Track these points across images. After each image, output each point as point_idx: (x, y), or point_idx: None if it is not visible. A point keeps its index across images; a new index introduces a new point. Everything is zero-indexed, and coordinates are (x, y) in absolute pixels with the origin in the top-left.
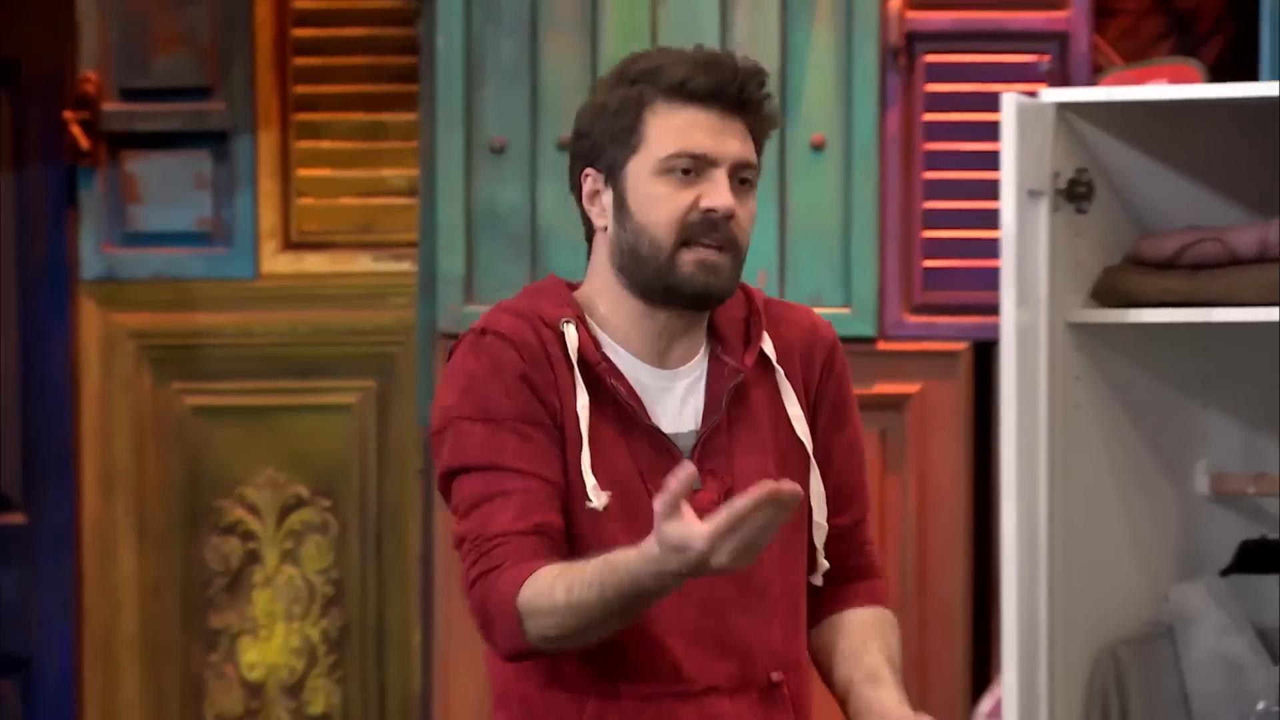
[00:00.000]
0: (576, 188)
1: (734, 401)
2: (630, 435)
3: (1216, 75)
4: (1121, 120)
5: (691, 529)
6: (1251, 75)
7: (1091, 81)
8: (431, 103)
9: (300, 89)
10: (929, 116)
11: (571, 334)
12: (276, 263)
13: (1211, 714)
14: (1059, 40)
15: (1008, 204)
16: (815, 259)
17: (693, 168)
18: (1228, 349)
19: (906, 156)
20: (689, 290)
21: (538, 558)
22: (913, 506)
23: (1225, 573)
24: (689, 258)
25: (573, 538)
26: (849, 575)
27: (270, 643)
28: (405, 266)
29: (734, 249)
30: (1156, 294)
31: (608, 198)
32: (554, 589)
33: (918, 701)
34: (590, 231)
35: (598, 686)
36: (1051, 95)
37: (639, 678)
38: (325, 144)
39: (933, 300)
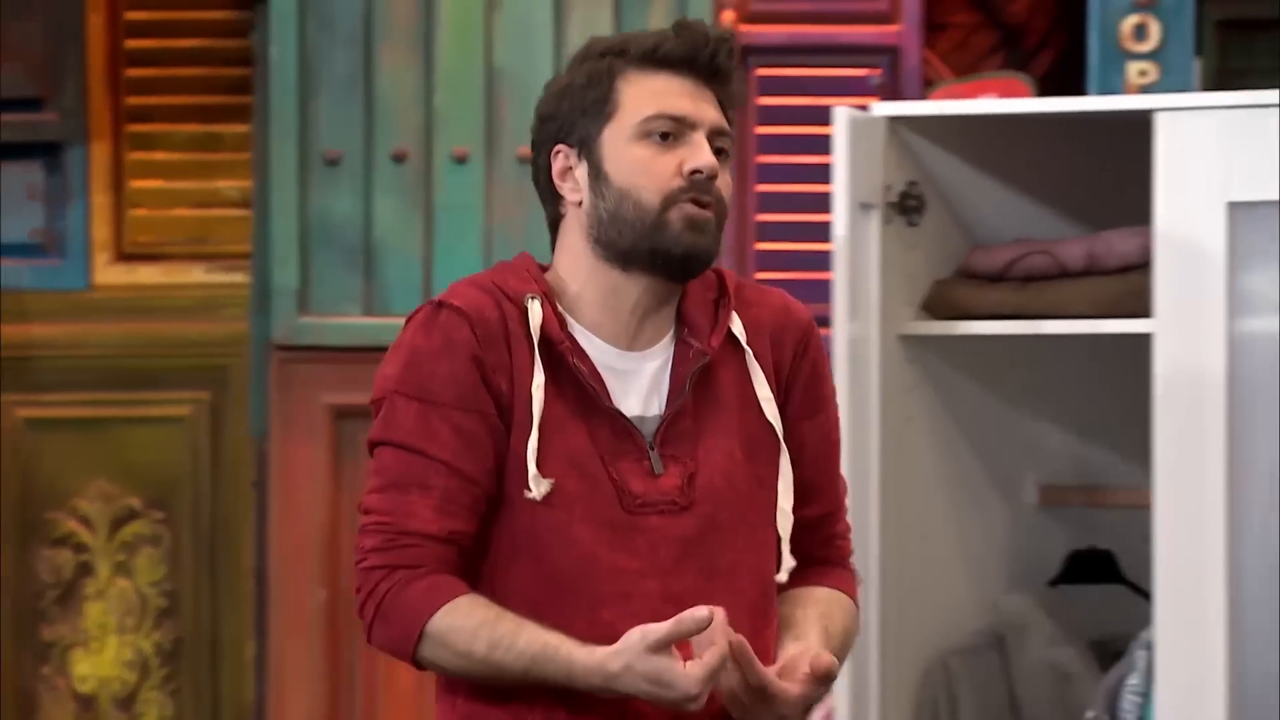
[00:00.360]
0: (543, 171)
1: (702, 384)
2: (591, 418)
3: (1045, 89)
4: (952, 134)
5: (680, 671)
6: (1079, 89)
7: (922, 95)
8: (265, 114)
9: (133, 100)
10: (762, 130)
11: (535, 310)
12: (109, 274)
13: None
14: (890, 55)
15: (839, 217)
16: None
17: (672, 130)
18: (1058, 361)
19: (740, 169)
20: (677, 250)
21: (453, 573)
22: None
23: (1054, 583)
24: (677, 214)
25: (512, 522)
26: (815, 564)
27: (102, 655)
28: (239, 278)
29: (719, 209)
30: (987, 306)
31: (581, 171)
32: (475, 637)
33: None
34: (555, 218)
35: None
36: (883, 109)
37: None
38: (158, 155)
39: None
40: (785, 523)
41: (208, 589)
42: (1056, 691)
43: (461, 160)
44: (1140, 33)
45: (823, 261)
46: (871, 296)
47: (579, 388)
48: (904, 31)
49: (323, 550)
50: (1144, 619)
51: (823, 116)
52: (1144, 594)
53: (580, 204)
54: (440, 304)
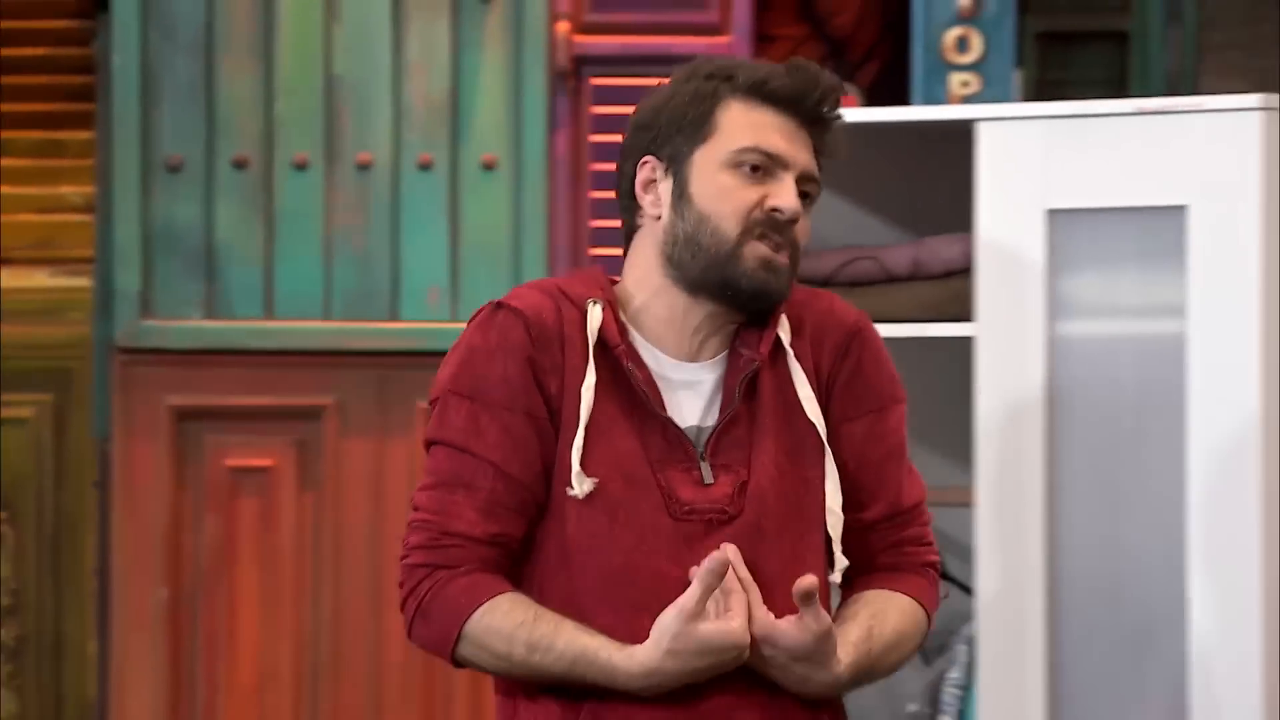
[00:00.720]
0: (627, 179)
1: (753, 391)
2: (644, 424)
3: (871, 99)
4: None
5: (723, 630)
6: (904, 99)
7: None
8: (108, 121)
9: None
10: (596, 137)
11: (595, 313)
12: None
13: (863, 714)
14: None
15: None
16: (487, 274)
17: (763, 165)
18: None
19: (575, 176)
20: (748, 286)
21: (495, 573)
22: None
23: None
24: (753, 252)
25: (559, 526)
26: (884, 570)
27: None
28: (82, 282)
29: (794, 253)
30: None
31: (666, 187)
32: (513, 639)
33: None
34: (630, 228)
35: (596, 690)
36: None
37: None
38: (2, 161)
39: None
40: (835, 522)
41: (51, 587)
42: (879, 685)
43: (301, 167)
44: (962, 45)
45: None
46: None
47: (633, 394)
48: (734, 43)
49: (164, 549)
50: (966, 615)
51: None
52: (966, 590)
53: (659, 219)
54: (499, 305)
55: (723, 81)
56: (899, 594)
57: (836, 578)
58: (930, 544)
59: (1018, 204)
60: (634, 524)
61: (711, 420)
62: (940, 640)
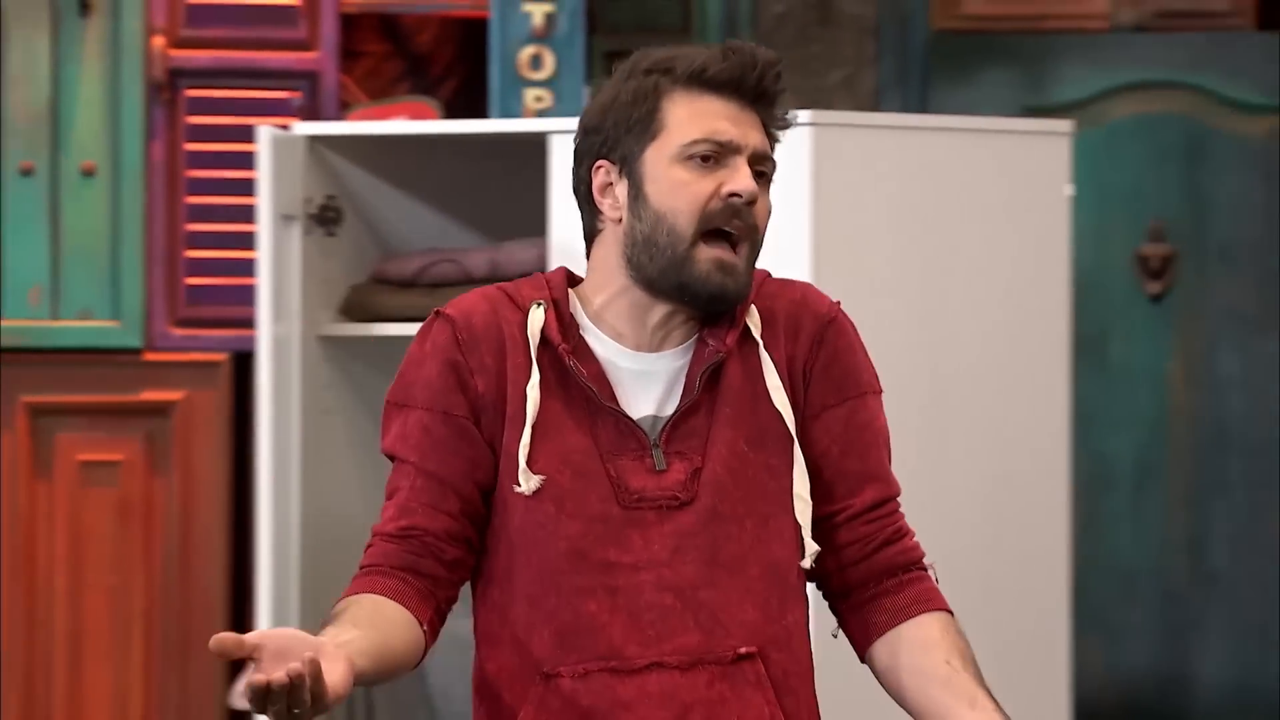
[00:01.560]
0: (583, 184)
1: (717, 381)
2: (596, 418)
3: (451, 112)
4: (367, 152)
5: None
6: (482, 113)
7: (339, 116)
8: None
9: None
10: (191, 146)
11: (536, 315)
12: None
13: (446, 689)
14: (309, 79)
15: (263, 228)
16: (87, 276)
17: (714, 154)
18: None
19: (171, 182)
20: (703, 290)
21: (394, 565)
22: (177, 505)
23: None
24: (707, 255)
25: (509, 521)
26: (879, 570)
27: None
28: None
29: (752, 238)
30: (399, 309)
31: (622, 189)
32: (339, 624)
33: (180, 678)
34: (591, 231)
35: (548, 665)
36: (303, 129)
37: (579, 657)
38: None
39: (196, 315)
40: (803, 508)
41: None
42: (462, 661)
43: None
44: (536, 63)
45: (249, 268)
46: (293, 300)
47: (583, 389)
48: (321, 58)
49: None
50: None
51: (248, 135)
52: None
53: (619, 221)
54: (436, 313)
55: (662, 75)
56: (941, 615)
57: (807, 563)
58: (913, 534)
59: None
60: (581, 513)
61: (670, 409)
62: None
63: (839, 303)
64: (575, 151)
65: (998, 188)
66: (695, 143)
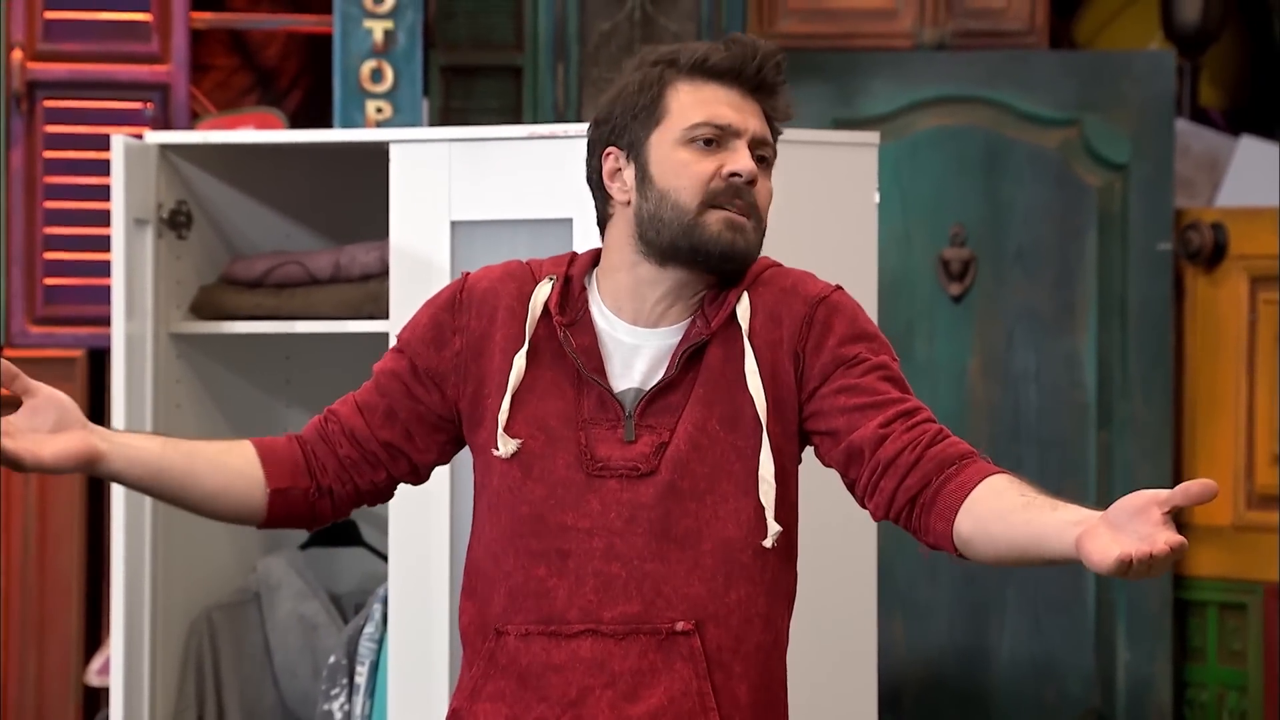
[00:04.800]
0: (595, 173)
1: (699, 361)
2: (582, 387)
3: (296, 123)
4: (216, 160)
5: None
6: (326, 123)
7: (190, 126)
8: None
9: None
10: (49, 154)
11: (542, 288)
12: None
13: (291, 667)
14: (161, 90)
15: (117, 231)
16: None
17: (715, 137)
18: (307, 356)
19: (29, 188)
20: (715, 247)
21: (299, 432)
22: (34, 493)
23: (304, 546)
24: (715, 216)
25: (485, 478)
26: (935, 466)
27: None
28: None
29: (756, 215)
30: (247, 309)
31: (630, 173)
32: (162, 436)
33: (37, 660)
34: (603, 216)
35: (499, 623)
36: (155, 137)
37: (524, 618)
38: None
39: (53, 313)
40: (766, 490)
41: None
42: (305, 640)
43: None
44: (377, 76)
45: (104, 269)
46: (146, 300)
47: (573, 360)
48: (173, 71)
49: None
50: (380, 577)
51: (103, 143)
52: (381, 555)
53: (628, 204)
54: (464, 274)
55: (667, 66)
56: (999, 474)
57: (769, 543)
58: (956, 439)
59: (426, 216)
60: (546, 478)
61: (653, 384)
62: (359, 600)
63: (838, 287)
64: (588, 143)
65: (810, 195)
66: (697, 126)
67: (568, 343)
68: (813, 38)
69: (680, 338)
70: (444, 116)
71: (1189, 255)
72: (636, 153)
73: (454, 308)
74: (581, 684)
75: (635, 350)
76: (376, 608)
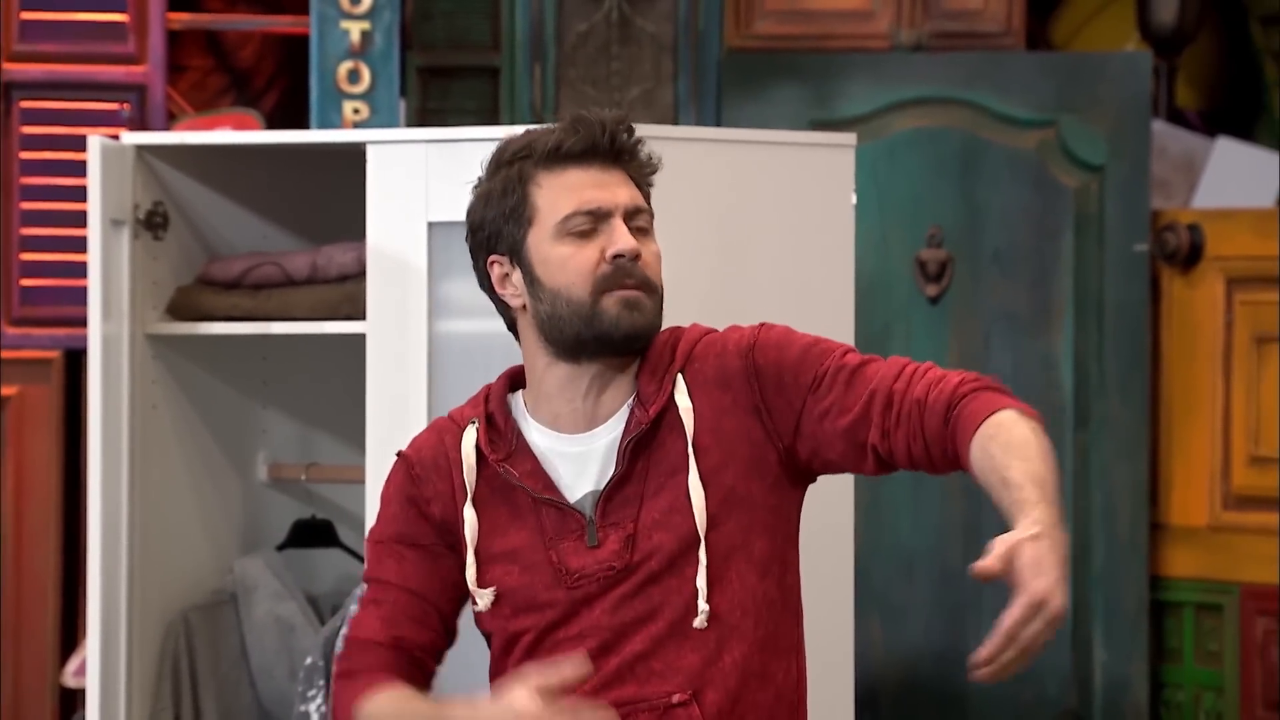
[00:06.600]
0: (485, 279)
1: (648, 449)
2: (540, 509)
3: (273, 123)
4: (193, 160)
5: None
6: (303, 124)
7: (167, 127)
8: None
9: None
10: (25, 155)
11: (469, 435)
12: None
13: (268, 668)
14: (138, 91)
15: (94, 232)
16: None
17: (589, 225)
18: (284, 357)
19: (6, 189)
20: (618, 332)
21: (389, 671)
22: (10, 495)
23: (281, 547)
24: (610, 300)
25: (482, 624)
26: (942, 407)
27: None
28: None
29: (649, 288)
30: (224, 309)
31: (517, 277)
32: (400, 713)
33: (13, 661)
34: (510, 322)
35: None
36: (131, 138)
37: None
38: None
39: (29, 314)
40: (701, 583)
41: None
42: (282, 641)
43: None
44: (354, 77)
45: (81, 270)
46: (123, 301)
47: (522, 488)
48: (149, 72)
49: None
50: (357, 578)
51: (80, 144)
52: (358, 557)
53: (525, 307)
54: (398, 454)
55: (523, 161)
56: (993, 416)
57: (700, 623)
58: (955, 373)
59: (403, 217)
60: (532, 607)
61: (605, 483)
62: (336, 601)
63: (761, 325)
64: (470, 249)
65: (787, 196)
66: (568, 218)
67: (510, 475)
68: (790, 39)
69: (622, 430)
70: (421, 117)
71: (1165, 256)
72: (518, 256)
73: (415, 483)
74: None
75: (580, 457)
76: (353, 609)
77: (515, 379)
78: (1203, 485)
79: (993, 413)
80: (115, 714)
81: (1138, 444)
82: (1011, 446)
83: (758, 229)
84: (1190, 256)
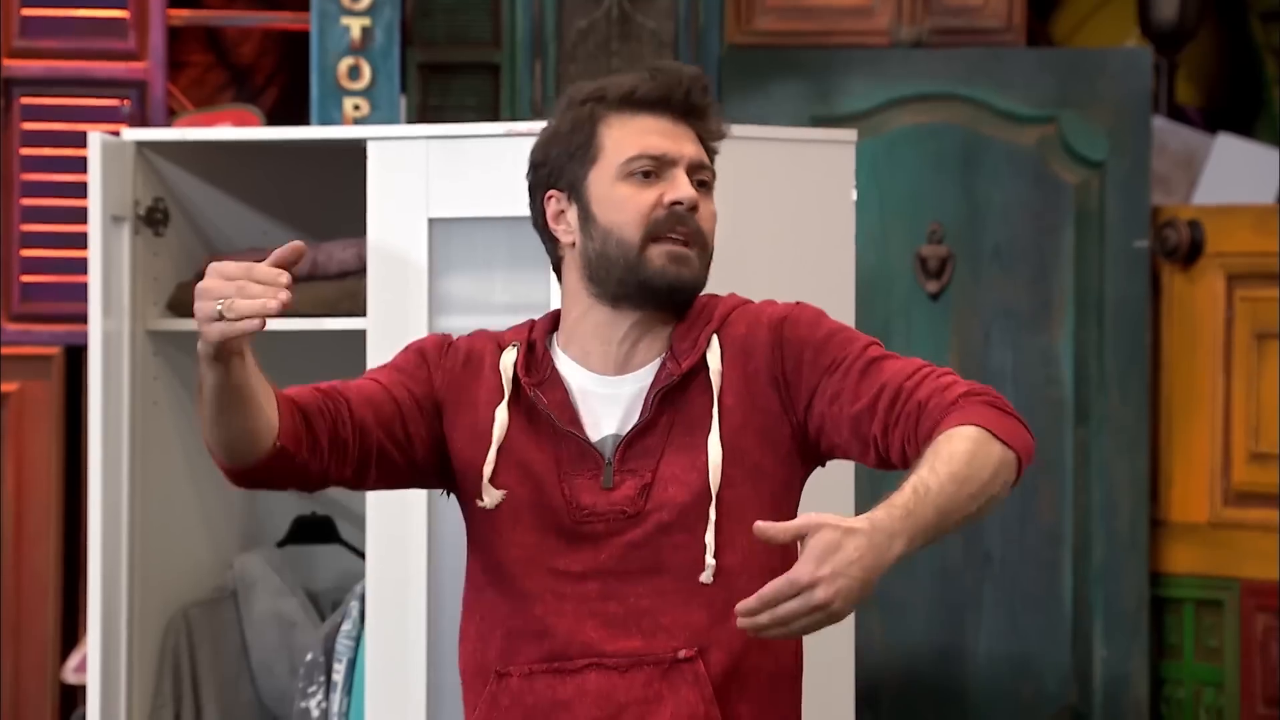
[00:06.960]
0: (539, 217)
1: (674, 403)
2: (560, 440)
3: (274, 119)
4: (193, 157)
5: None
6: (304, 120)
7: (167, 123)
8: None
9: None
10: (26, 151)
11: (509, 355)
12: None
13: (268, 665)
14: (138, 87)
15: (94, 228)
16: None
17: (653, 169)
18: (284, 353)
19: (6, 185)
20: (661, 282)
21: (299, 393)
22: (10, 491)
23: (281, 544)
24: (658, 250)
25: (473, 528)
26: (928, 421)
27: None
28: None
29: (700, 242)
30: None
31: (573, 214)
32: None
33: (13, 658)
34: (556, 260)
35: (499, 664)
36: (132, 135)
37: (526, 658)
38: None
39: (30, 310)
40: (710, 536)
41: None
42: (283, 638)
43: None
44: (354, 73)
45: (81, 266)
46: (123, 297)
47: (547, 415)
48: (149, 68)
49: None
50: (358, 574)
51: (80, 140)
52: (359, 553)
53: (574, 245)
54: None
55: (596, 102)
56: (951, 431)
57: (706, 578)
58: (966, 383)
59: (403, 213)
60: (536, 526)
61: (629, 428)
62: (336, 597)
63: (796, 303)
64: (528, 187)
65: (788, 192)
66: (632, 159)
67: (539, 400)
68: (790, 35)
69: (652, 380)
70: (421, 114)
71: (1166, 253)
72: (577, 193)
73: (440, 350)
74: (590, 717)
75: (608, 399)
76: (354, 605)
77: (558, 320)
78: (1203, 481)
79: (964, 424)
80: (116, 710)
81: (1138, 440)
82: (938, 455)
83: (758, 225)
84: (1190, 253)
